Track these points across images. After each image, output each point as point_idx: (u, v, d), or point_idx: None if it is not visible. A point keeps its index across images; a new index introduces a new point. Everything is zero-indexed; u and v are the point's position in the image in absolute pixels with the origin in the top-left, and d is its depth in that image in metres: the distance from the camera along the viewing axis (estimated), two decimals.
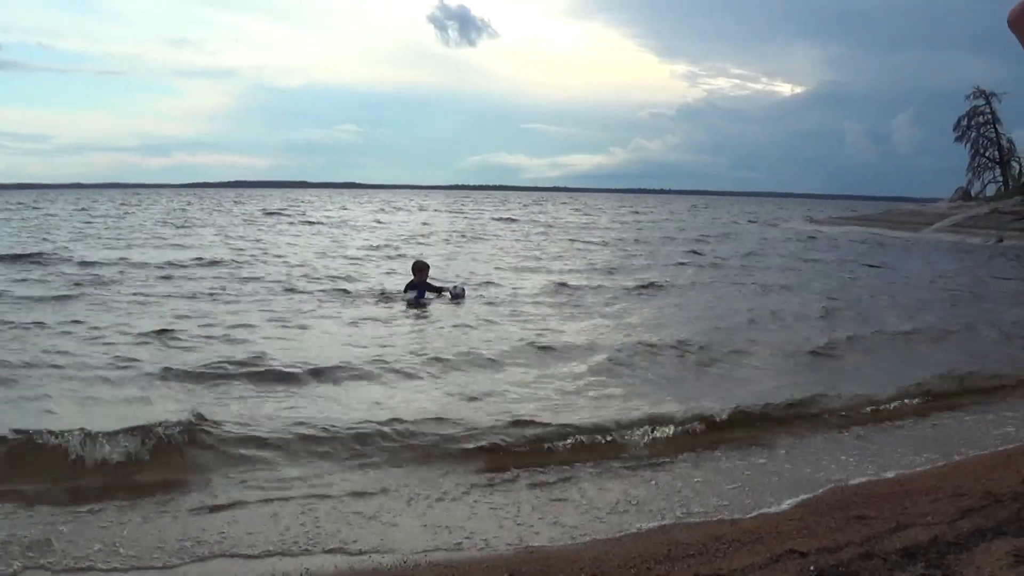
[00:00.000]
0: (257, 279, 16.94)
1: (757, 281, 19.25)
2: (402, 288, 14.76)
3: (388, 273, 18.99)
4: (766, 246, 32.58)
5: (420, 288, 14.29)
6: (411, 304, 13.86)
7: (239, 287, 15.69)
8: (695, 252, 27.93)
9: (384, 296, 14.73)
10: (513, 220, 51.71)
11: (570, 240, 33.27)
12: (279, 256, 22.99)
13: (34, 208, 57.97)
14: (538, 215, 62.68)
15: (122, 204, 70.15)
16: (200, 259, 20.76)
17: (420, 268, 14.81)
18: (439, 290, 14.42)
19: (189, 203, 76.76)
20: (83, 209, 57.02)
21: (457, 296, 14.20)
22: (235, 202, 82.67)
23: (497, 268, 20.76)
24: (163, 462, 5.81)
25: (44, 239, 27.13)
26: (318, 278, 17.50)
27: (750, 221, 60.61)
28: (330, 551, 4.53)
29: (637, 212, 75.92)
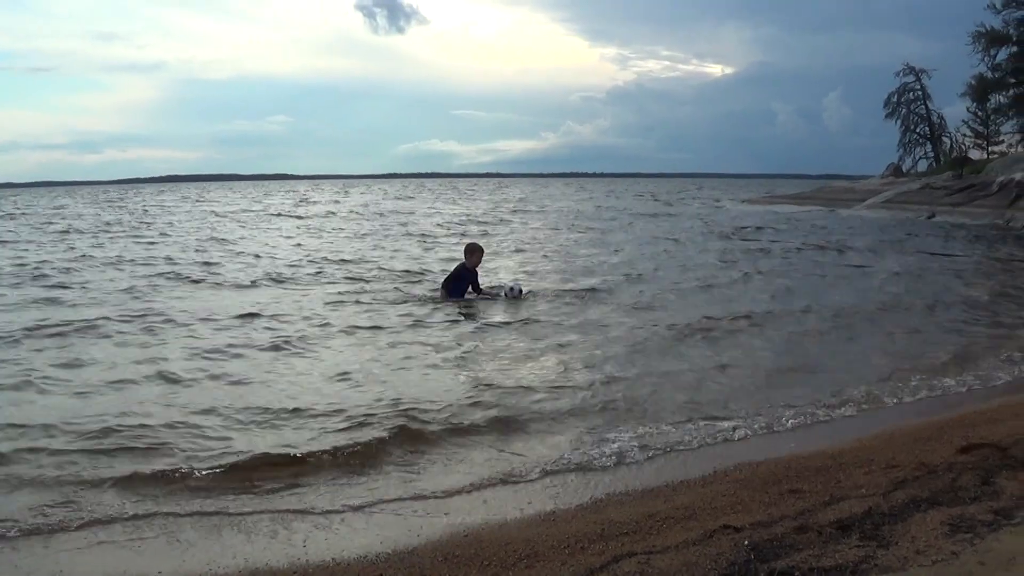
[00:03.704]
0: None
1: None
2: (440, 276, 12.91)
3: None
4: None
5: (467, 278, 12.20)
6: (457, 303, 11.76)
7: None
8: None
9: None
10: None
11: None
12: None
13: None
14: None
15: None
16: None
17: (474, 250, 12.42)
18: (484, 291, 12.41)
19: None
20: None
21: (514, 296, 12.10)
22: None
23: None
24: None
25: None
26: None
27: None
28: None
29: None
